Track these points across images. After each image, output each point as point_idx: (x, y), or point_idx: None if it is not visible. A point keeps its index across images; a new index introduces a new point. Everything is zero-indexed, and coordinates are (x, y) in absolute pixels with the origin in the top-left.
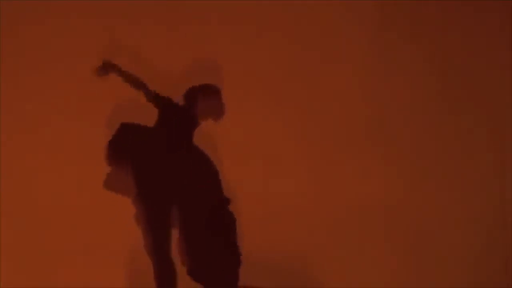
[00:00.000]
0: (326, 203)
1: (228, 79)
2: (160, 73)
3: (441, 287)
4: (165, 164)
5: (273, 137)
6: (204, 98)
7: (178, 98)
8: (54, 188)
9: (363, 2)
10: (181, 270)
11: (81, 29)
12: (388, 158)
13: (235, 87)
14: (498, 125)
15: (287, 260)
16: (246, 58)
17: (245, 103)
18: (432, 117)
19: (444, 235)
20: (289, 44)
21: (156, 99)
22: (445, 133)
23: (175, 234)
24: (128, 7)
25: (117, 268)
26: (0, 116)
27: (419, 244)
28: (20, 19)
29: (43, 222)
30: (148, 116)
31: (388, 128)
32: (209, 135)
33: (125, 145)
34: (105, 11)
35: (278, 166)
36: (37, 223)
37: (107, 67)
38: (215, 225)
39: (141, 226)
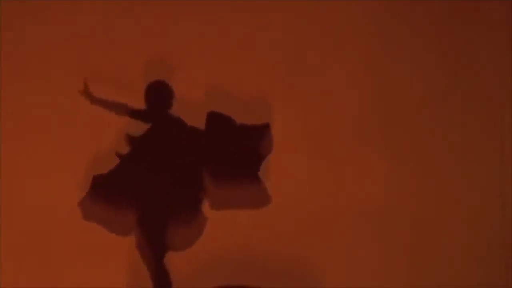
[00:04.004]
0: (327, 203)
1: (228, 79)
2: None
3: (441, 287)
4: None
5: (273, 136)
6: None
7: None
8: (54, 188)
9: (367, 2)
10: (178, 270)
11: (81, 30)
12: (389, 159)
13: (236, 87)
14: (499, 125)
15: (287, 260)
16: (246, 58)
17: (245, 102)
18: (433, 117)
19: (445, 235)
20: (290, 43)
21: (139, 114)
22: (446, 134)
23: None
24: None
25: (117, 268)
26: (0, 116)
27: (420, 245)
28: (20, 19)
29: (43, 222)
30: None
31: (389, 129)
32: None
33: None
34: (107, 9)
35: (278, 166)
36: (37, 223)
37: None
38: None
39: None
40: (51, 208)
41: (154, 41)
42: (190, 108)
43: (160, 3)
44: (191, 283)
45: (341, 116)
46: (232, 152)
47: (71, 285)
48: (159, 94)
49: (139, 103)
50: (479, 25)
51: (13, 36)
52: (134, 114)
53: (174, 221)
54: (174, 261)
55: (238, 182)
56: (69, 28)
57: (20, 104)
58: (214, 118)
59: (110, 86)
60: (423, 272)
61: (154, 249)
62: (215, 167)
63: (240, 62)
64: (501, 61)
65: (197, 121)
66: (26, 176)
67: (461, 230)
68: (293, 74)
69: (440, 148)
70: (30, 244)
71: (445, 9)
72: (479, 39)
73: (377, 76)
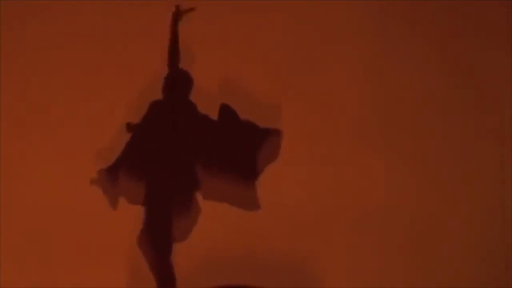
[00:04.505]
0: (326, 203)
1: (230, 79)
2: None
3: (441, 287)
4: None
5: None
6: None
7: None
8: (55, 188)
9: (367, 2)
10: (178, 270)
11: (80, 30)
12: (389, 159)
13: (235, 86)
14: (499, 125)
15: (287, 260)
16: (246, 58)
17: (247, 102)
18: (433, 117)
19: (445, 236)
20: (290, 42)
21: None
22: (446, 134)
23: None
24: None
25: (117, 268)
26: (0, 116)
27: (420, 245)
28: (20, 19)
29: (43, 222)
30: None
31: (389, 129)
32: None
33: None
34: (107, 9)
35: (278, 166)
36: (37, 223)
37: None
38: None
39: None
40: (51, 208)
41: (157, 41)
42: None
43: (159, 3)
44: (191, 282)
45: (341, 116)
46: (231, 148)
47: (71, 285)
48: (177, 80)
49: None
50: (479, 25)
51: (13, 36)
52: (172, 69)
53: (175, 208)
54: (174, 260)
55: (230, 179)
56: (69, 28)
57: (20, 104)
58: (226, 111)
59: (110, 86)
60: (423, 272)
61: (160, 241)
62: (209, 158)
63: (240, 61)
64: (501, 61)
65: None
66: (26, 176)
67: (461, 230)
68: (292, 74)
69: (440, 148)
70: (30, 244)
71: (445, 9)
72: (479, 39)
73: (377, 76)
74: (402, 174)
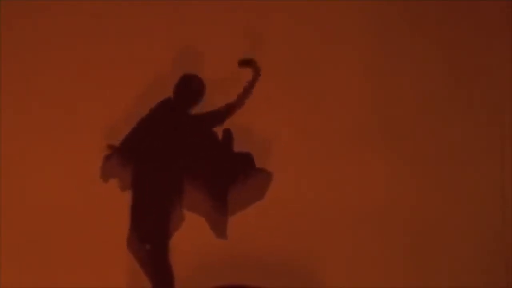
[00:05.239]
0: (326, 203)
1: (232, 80)
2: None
3: (441, 287)
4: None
5: (273, 136)
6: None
7: None
8: (54, 188)
9: (367, 2)
10: (178, 270)
11: (80, 30)
12: (389, 159)
13: (235, 87)
14: (499, 126)
15: (287, 260)
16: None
17: (248, 102)
18: (433, 117)
19: (445, 236)
20: (290, 42)
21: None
22: (447, 134)
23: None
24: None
25: (117, 268)
26: (0, 116)
27: (420, 245)
28: (20, 19)
29: (43, 222)
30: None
31: (389, 129)
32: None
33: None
34: (107, 9)
35: (279, 166)
36: (37, 223)
37: (248, 63)
38: None
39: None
40: (51, 208)
41: (157, 41)
42: None
43: (159, 3)
44: (191, 283)
45: (341, 116)
46: (216, 176)
47: (71, 285)
48: (189, 87)
49: (139, 103)
50: (480, 25)
51: (13, 36)
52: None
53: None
54: (174, 261)
55: (207, 201)
56: (69, 28)
57: (20, 104)
58: (226, 137)
59: (110, 86)
60: (423, 272)
61: (149, 238)
62: (197, 172)
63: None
64: (501, 61)
65: None
66: (26, 176)
67: (461, 230)
68: (293, 74)
69: (440, 148)
70: (30, 244)
71: (445, 9)
72: (479, 39)
73: (377, 76)
74: (402, 174)
